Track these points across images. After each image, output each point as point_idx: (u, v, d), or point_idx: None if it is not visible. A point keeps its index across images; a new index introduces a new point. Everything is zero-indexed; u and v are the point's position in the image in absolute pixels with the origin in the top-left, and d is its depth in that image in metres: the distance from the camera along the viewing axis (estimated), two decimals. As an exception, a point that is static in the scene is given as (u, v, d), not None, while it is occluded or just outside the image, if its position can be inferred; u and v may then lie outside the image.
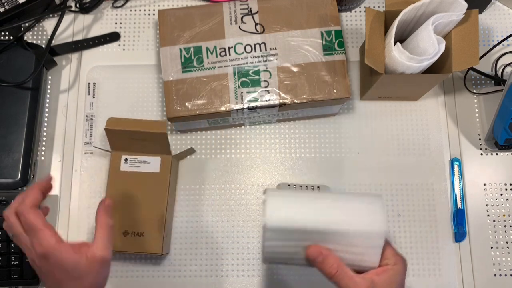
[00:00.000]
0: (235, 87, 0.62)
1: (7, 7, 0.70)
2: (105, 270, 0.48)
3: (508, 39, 0.70)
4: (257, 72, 0.62)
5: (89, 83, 0.72)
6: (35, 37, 0.74)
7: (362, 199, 0.48)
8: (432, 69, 0.61)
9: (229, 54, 0.63)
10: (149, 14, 0.75)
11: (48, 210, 0.53)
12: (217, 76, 0.62)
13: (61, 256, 0.44)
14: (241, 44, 0.63)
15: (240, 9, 0.64)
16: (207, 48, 0.63)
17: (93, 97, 0.71)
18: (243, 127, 0.70)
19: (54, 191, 0.68)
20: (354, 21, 0.74)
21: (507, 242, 0.66)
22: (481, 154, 0.69)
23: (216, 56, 0.63)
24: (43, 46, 0.71)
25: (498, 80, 0.71)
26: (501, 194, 0.68)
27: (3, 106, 0.67)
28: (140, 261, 0.66)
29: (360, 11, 0.74)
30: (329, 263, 0.45)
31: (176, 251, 0.66)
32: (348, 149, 0.69)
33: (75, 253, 0.45)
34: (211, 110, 0.61)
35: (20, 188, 0.65)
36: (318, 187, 0.65)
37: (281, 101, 0.62)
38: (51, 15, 0.75)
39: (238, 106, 0.61)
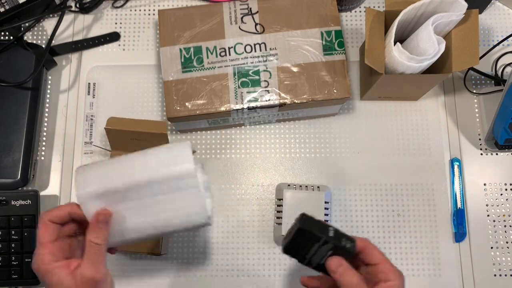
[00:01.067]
0: (235, 87, 0.62)
1: (7, 7, 0.70)
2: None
3: (508, 39, 0.70)
4: (257, 72, 0.62)
5: (89, 83, 0.72)
6: (35, 37, 0.74)
7: (163, 147, 0.45)
8: (432, 69, 0.61)
9: (229, 54, 0.63)
10: (149, 14, 0.75)
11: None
12: (217, 76, 0.62)
13: (52, 277, 0.42)
14: (241, 44, 0.63)
15: (240, 9, 0.64)
16: (207, 48, 0.63)
17: (93, 97, 0.71)
18: (243, 127, 0.70)
19: (54, 191, 0.68)
20: (354, 21, 0.74)
21: (507, 242, 0.66)
22: (481, 154, 0.69)
23: (216, 56, 0.63)
24: (43, 46, 0.71)
25: (498, 80, 0.71)
26: (501, 194, 0.68)
27: (3, 106, 0.67)
28: (140, 261, 0.66)
29: (360, 11, 0.74)
30: (350, 274, 0.44)
31: (175, 250, 0.66)
32: (348, 149, 0.69)
33: (67, 275, 0.42)
34: (211, 110, 0.61)
35: (20, 188, 0.66)
36: (318, 187, 0.65)
37: (281, 101, 0.62)
38: (51, 15, 0.75)
39: (238, 106, 0.61)
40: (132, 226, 0.45)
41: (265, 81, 0.62)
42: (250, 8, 0.64)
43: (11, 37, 0.72)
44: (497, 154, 0.69)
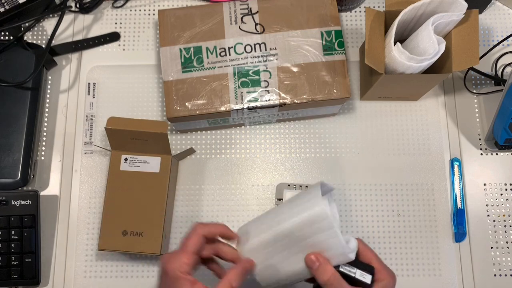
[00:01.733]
0: (235, 87, 0.62)
1: (7, 7, 0.70)
2: None
3: (508, 39, 0.70)
4: (257, 72, 0.62)
5: (89, 83, 0.72)
6: (35, 37, 0.74)
7: (300, 194, 0.48)
8: (432, 69, 0.61)
9: (229, 54, 0.63)
10: (149, 14, 0.75)
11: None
12: (217, 76, 0.62)
13: (178, 286, 0.44)
14: (241, 44, 0.63)
15: (240, 9, 0.64)
16: (207, 48, 0.63)
17: (93, 97, 0.71)
18: (243, 127, 0.70)
19: (54, 191, 0.68)
20: (354, 21, 0.74)
21: (507, 242, 0.66)
22: (481, 154, 0.69)
23: (216, 56, 0.63)
24: (43, 46, 0.71)
25: (498, 80, 0.71)
26: (501, 194, 0.68)
27: (3, 106, 0.67)
28: (140, 261, 0.66)
29: (360, 11, 0.74)
30: (324, 270, 0.45)
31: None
32: (348, 149, 0.69)
33: None
34: (211, 110, 0.61)
35: (20, 188, 0.66)
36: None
37: (281, 101, 0.61)
38: (51, 15, 0.75)
39: (238, 106, 0.61)
40: (284, 273, 0.48)
41: (265, 81, 0.62)
42: (250, 8, 0.64)
43: (11, 37, 0.72)
44: (497, 154, 0.69)
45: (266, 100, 0.62)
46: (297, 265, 0.47)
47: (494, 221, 0.67)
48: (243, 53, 0.63)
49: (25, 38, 0.72)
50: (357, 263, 0.46)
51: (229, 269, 0.46)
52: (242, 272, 0.46)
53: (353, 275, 0.45)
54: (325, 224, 0.44)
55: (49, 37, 0.70)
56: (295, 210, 0.46)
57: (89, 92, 0.71)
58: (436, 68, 0.61)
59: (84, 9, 0.74)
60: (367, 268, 0.46)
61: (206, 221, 0.67)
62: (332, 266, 0.45)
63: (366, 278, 0.46)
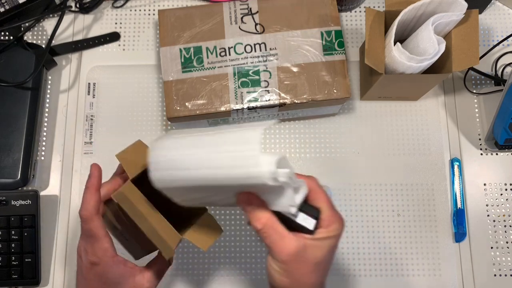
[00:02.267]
0: (235, 87, 0.62)
1: (7, 7, 0.70)
2: None
3: (508, 39, 0.70)
4: (257, 72, 0.62)
5: (89, 83, 0.72)
6: (35, 37, 0.74)
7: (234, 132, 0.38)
8: (432, 69, 0.61)
9: (229, 54, 0.63)
10: (149, 14, 0.75)
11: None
12: (217, 76, 0.62)
13: (110, 270, 0.44)
14: (241, 44, 0.63)
15: (240, 9, 0.64)
16: (207, 48, 0.63)
17: (93, 97, 0.71)
18: (243, 127, 0.70)
19: (54, 191, 0.68)
20: (354, 21, 0.74)
21: (507, 242, 0.66)
22: (481, 154, 0.69)
23: (216, 56, 0.63)
24: (43, 46, 0.71)
25: (498, 80, 0.71)
26: (501, 194, 0.68)
27: (3, 106, 0.67)
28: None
29: (360, 11, 0.74)
30: (256, 216, 0.40)
31: (175, 251, 0.66)
32: (348, 149, 0.69)
33: (124, 271, 0.45)
34: (211, 110, 0.61)
35: (20, 188, 0.66)
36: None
37: (281, 101, 0.61)
38: (51, 15, 0.75)
39: (238, 106, 0.61)
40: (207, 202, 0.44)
41: (265, 81, 0.62)
42: (250, 8, 0.64)
43: (11, 37, 0.72)
44: (497, 154, 0.69)
45: (266, 100, 0.62)
46: (225, 200, 0.42)
47: (494, 221, 0.67)
48: (243, 53, 0.63)
49: (25, 38, 0.72)
50: (302, 205, 0.40)
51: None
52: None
53: (293, 218, 0.40)
54: (269, 185, 0.36)
55: (49, 37, 0.70)
56: (229, 162, 0.37)
57: (89, 92, 0.71)
58: (436, 68, 0.61)
59: (84, 9, 0.74)
60: (312, 211, 0.40)
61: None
62: (268, 210, 0.40)
63: (309, 223, 0.40)
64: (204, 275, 0.66)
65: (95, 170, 0.48)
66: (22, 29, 0.72)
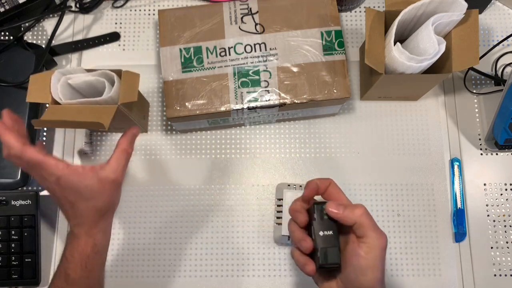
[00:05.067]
0: (235, 87, 0.62)
1: (7, 7, 0.70)
2: (118, 191, 0.51)
3: (508, 39, 0.70)
4: (257, 72, 0.62)
5: (89, 83, 0.72)
6: (35, 37, 0.74)
7: None
8: (432, 69, 0.61)
9: (229, 54, 0.63)
10: (149, 14, 0.75)
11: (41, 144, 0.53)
12: (217, 76, 0.62)
13: (72, 178, 0.46)
14: (241, 44, 0.63)
15: (240, 9, 0.64)
16: (207, 48, 0.63)
17: (93, 97, 0.71)
18: (243, 127, 0.70)
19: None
20: (354, 21, 0.74)
21: (507, 242, 0.66)
22: (481, 154, 0.69)
23: (216, 56, 0.63)
24: (43, 46, 0.71)
25: (498, 80, 0.71)
26: (501, 194, 0.68)
27: (3, 106, 0.67)
28: (139, 261, 0.66)
29: (360, 11, 0.74)
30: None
31: (175, 251, 0.66)
32: (348, 149, 0.69)
33: (85, 175, 0.47)
34: (211, 110, 0.61)
35: (20, 188, 0.66)
36: (318, 187, 0.65)
37: (281, 101, 0.61)
38: (51, 15, 0.75)
39: (238, 106, 0.61)
40: None
41: (265, 81, 0.62)
42: (250, 8, 0.64)
43: (11, 37, 0.72)
44: (497, 154, 0.69)
45: (266, 100, 0.62)
46: None
47: (494, 221, 0.67)
48: (243, 53, 0.63)
49: (25, 38, 0.72)
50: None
51: (120, 138, 0.52)
52: (132, 137, 0.52)
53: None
54: None
55: (49, 37, 0.70)
56: None
57: (89, 92, 0.71)
58: (436, 68, 0.61)
59: (84, 9, 0.74)
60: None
61: (207, 221, 0.67)
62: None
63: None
64: (208, 276, 0.66)
65: (3, 113, 0.50)
66: (22, 29, 0.72)
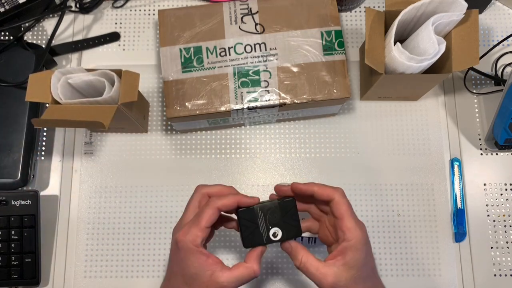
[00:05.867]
0: (235, 87, 0.62)
1: (7, 7, 0.70)
2: None
3: (508, 39, 0.70)
4: (257, 72, 0.62)
5: (89, 83, 0.72)
6: (35, 37, 0.74)
7: None
8: (432, 69, 0.61)
9: (229, 54, 0.63)
10: (149, 14, 0.75)
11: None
12: (217, 76, 0.62)
13: (191, 258, 0.44)
14: (241, 44, 0.63)
15: (240, 9, 0.64)
16: (207, 48, 0.63)
17: (93, 97, 0.71)
18: (243, 127, 0.70)
19: (54, 191, 0.68)
20: (354, 21, 0.74)
21: (507, 242, 0.66)
22: (481, 154, 0.69)
23: (216, 56, 0.63)
24: (43, 46, 0.71)
25: (498, 80, 0.71)
26: (501, 194, 0.68)
27: (3, 106, 0.67)
28: (140, 261, 0.66)
29: (360, 11, 0.74)
30: (295, 254, 0.46)
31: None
32: (348, 149, 0.69)
33: (205, 264, 0.44)
34: (211, 110, 0.61)
35: (20, 188, 0.66)
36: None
37: (281, 101, 0.61)
38: (51, 15, 0.75)
39: (238, 106, 0.61)
40: None
41: (265, 81, 0.62)
42: (250, 8, 0.64)
43: (11, 37, 0.72)
44: (497, 154, 0.69)
45: (266, 100, 0.62)
46: None
47: (494, 221, 0.67)
48: (243, 53, 0.63)
49: (25, 38, 0.72)
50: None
51: (249, 254, 0.46)
52: (260, 256, 0.47)
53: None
54: None
55: (49, 37, 0.70)
56: None
57: (89, 92, 0.71)
58: (436, 68, 0.61)
59: (84, 9, 0.74)
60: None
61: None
62: (303, 248, 0.47)
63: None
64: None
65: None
66: (22, 29, 0.72)
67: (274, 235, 0.47)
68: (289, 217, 0.47)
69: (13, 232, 0.63)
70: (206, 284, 0.43)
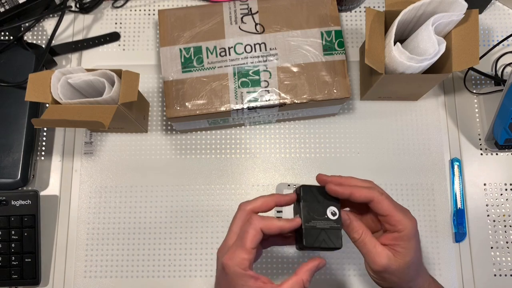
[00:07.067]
0: (235, 87, 0.62)
1: (7, 7, 0.70)
2: None
3: (508, 39, 0.70)
4: (257, 72, 0.62)
5: (89, 83, 0.72)
6: (35, 37, 0.74)
7: None
8: (432, 69, 0.61)
9: (229, 54, 0.63)
10: (149, 14, 0.75)
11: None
12: (217, 76, 0.62)
13: (241, 283, 0.42)
14: (241, 44, 0.63)
15: (240, 9, 0.64)
16: (207, 48, 0.63)
17: (93, 97, 0.71)
18: (243, 127, 0.70)
19: (54, 191, 0.68)
20: (354, 21, 0.74)
21: (507, 242, 0.66)
22: (481, 154, 0.69)
23: (216, 56, 0.63)
24: (43, 46, 0.71)
25: (498, 80, 0.71)
26: (501, 194, 0.68)
27: (3, 106, 0.67)
28: (140, 261, 0.66)
29: (360, 11, 0.74)
30: (355, 227, 0.46)
31: (175, 251, 0.66)
32: (348, 149, 0.69)
33: (254, 285, 0.42)
34: (211, 110, 0.61)
35: (20, 188, 0.66)
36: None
37: (281, 101, 0.61)
38: (51, 15, 0.75)
39: (238, 106, 0.61)
40: None
41: (265, 81, 0.62)
42: (250, 8, 0.64)
43: (11, 37, 0.72)
44: (497, 154, 0.69)
45: (266, 100, 0.62)
46: None
47: (494, 221, 0.67)
48: (243, 53, 0.63)
49: (25, 38, 0.72)
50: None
51: (301, 266, 0.44)
52: (314, 270, 0.44)
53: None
54: None
55: (49, 37, 0.70)
56: None
57: (89, 92, 0.71)
58: (436, 68, 0.61)
59: (84, 9, 0.74)
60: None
61: (207, 221, 0.67)
62: (362, 223, 0.47)
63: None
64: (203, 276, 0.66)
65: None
66: (22, 29, 0.72)
67: (333, 213, 0.46)
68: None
69: (13, 232, 0.63)
70: None
